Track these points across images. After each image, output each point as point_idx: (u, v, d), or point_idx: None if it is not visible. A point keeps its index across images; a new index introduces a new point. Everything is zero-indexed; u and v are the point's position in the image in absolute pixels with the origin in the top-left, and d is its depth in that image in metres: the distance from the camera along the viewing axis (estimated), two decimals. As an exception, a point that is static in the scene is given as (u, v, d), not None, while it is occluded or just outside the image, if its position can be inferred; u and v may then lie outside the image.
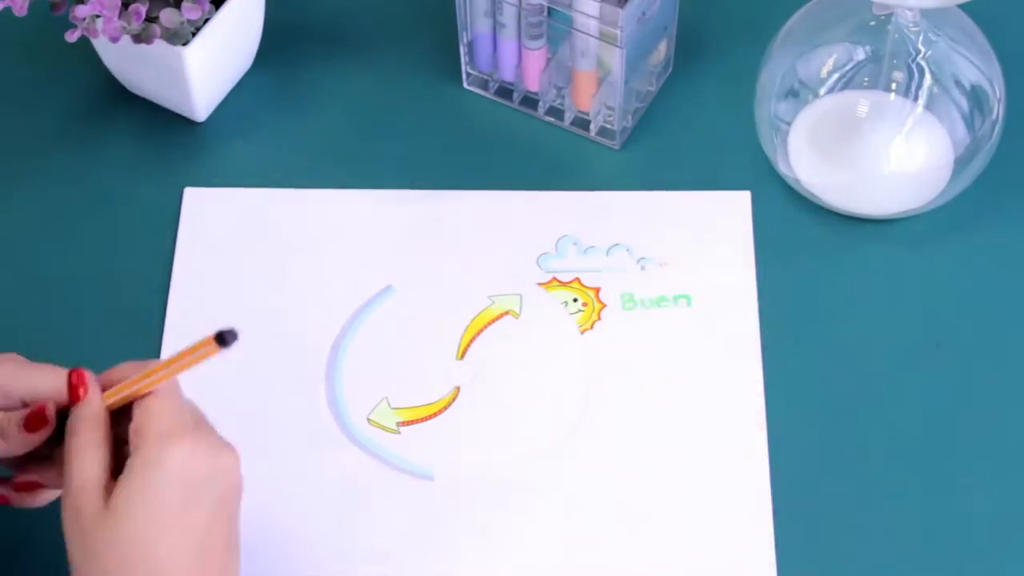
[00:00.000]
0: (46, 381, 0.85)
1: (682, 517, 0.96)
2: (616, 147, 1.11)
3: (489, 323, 1.04)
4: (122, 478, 0.78)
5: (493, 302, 1.05)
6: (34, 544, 0.95)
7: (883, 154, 1.08)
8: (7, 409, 0.86)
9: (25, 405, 0.85)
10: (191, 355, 0.79)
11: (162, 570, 0.77)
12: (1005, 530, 0.95)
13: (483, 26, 1.10)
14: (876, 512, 0.96)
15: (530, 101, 1.13)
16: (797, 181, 1.08)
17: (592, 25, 1.05)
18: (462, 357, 1.02)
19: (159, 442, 0.79)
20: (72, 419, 0.82)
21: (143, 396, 0.81)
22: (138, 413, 0.80)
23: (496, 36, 1.11)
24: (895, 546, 0.95)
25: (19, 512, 0.90)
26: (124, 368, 0.84)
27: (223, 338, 0.77)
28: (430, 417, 1.00)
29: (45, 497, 0.89)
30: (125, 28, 1.03)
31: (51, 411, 0.84)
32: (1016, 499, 0.97)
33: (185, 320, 1.03)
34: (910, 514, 0.96)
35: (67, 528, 0.79)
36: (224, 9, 1.08)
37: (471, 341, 1.03)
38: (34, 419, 0.84)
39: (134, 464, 0.78)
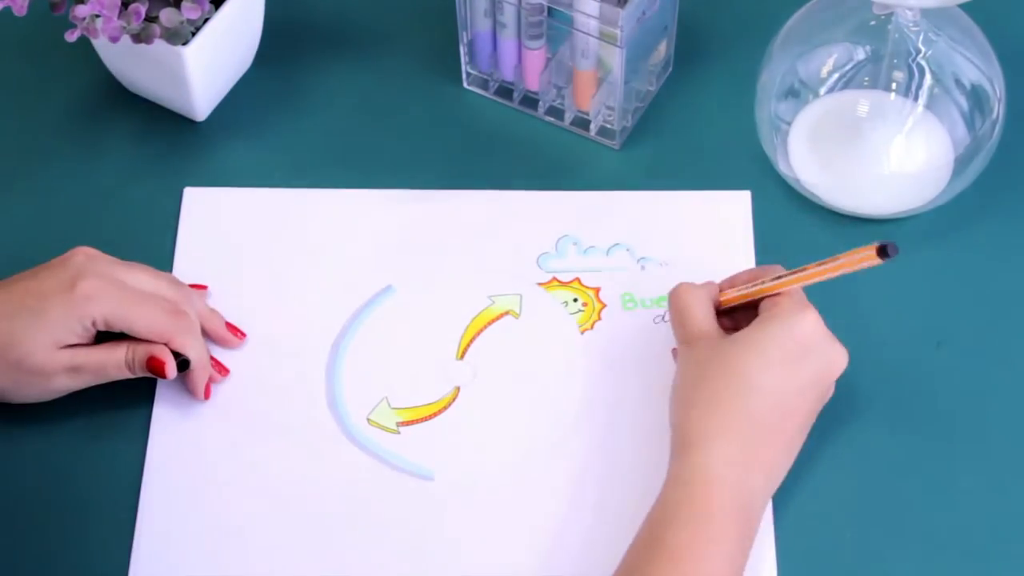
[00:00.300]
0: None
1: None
2: (616, 147, 1.11)
3: (489, 323, 1.04)
4: (751, 324, 0.94)
5: (493, 302, 1.05)
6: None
7: (883, 154, 1.08)
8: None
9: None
10: (848, 260, 0.91)
11: (752, 386, 0.91)
12: (1006, 530, 0.95)
13: (483, 26, 1.10)
14: (876, 511, 0.96)
15: (530, 101, 1.13)
16: (797, 181, 1.08)
17: (592, 25, 1.05)
18: (462, 357, 1.02)
19: (795, 306, 0.93)
20: (685, 286, 0.97)
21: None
22: (784, 292, 0.95)
23: (496, 36, 1.11)
24: (895, 545, 0.95)
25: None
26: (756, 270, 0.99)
27: (885, 250, 0.88)
28: (430, 417, 1.00)
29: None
30: (125, 28, 1.03)
31: (171, 369, 0.97)
32: (1017, 498, 0.96)
33: (185, 320, 1.03)
34: (910, 513, 0.96)
35: (682, 350, 0.96)
36: (224, 9, 1.08)
37: (471, 341, 1.03)
38: (155, 366, 0.97)
39: (768, 314, 0.94)
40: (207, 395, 1.00)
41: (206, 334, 1.02)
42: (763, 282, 0.96)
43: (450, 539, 0.96)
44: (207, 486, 0.98)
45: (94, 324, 0.96)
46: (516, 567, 0.95)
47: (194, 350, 0.98)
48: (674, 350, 0.99)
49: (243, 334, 1.03)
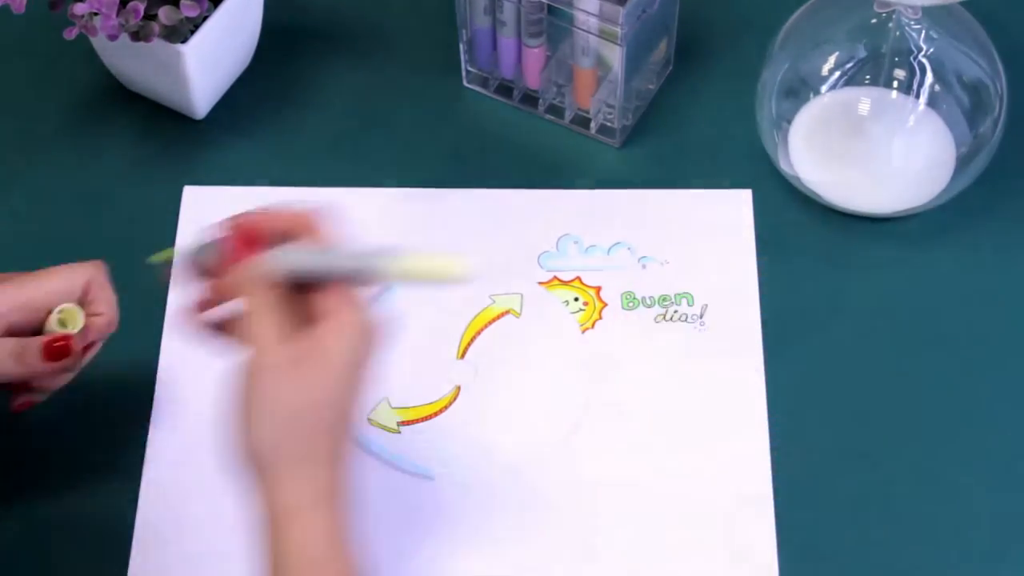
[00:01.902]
0: (60, 282, 0.91)
1: (684, 516, 0.96)
2: (616, 145, 1.11)
3: (490, 322, 1.03)
4: (311, 334, 0.80)
5: (494, 301, 1.04)
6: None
7: (884, 152, 1.08)
8: (31, 324, 0.90)
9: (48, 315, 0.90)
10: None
11: (342, 415, 0.80)
12: (1006, 529, 0.95)
13: (483, 23, 1.10)
14: (877, 509, 0.96)
15: (530, 99, 1.13)
16: (798, 179, 1.08)
17: (592, 23, 1.05)
18: (463, 356, 1.02)
19: (355, 307, 0.81)
20: (244, 278, 0.82)
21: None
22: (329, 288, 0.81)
23: (496, 34, 1.10)
24: (896, 544, 0.95)
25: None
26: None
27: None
28: (431, 417, 1.00)
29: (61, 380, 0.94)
30: (123, 26, 1.03)
31: (76, 343, 0.90)
32: (1017, 498, 0.96)
33: (184, 319, 1.03)
34: (911, 512, 0.96)
35: (246, 378, 0.80)
36: (223, 6, 1.07)
37: (472, 340, 1.03)
38: (55, 349, 0.90)
39: (335, 321, 0.80)
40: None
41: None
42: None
43: (450, 539, 0.95)
44: (204, 486, 0.97)
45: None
46: (517, 567, 0.95)
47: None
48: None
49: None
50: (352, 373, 0.81)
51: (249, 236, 0.83)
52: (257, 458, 0.80)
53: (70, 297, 0.92)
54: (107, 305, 0.94)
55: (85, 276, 0.93)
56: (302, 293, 0.81)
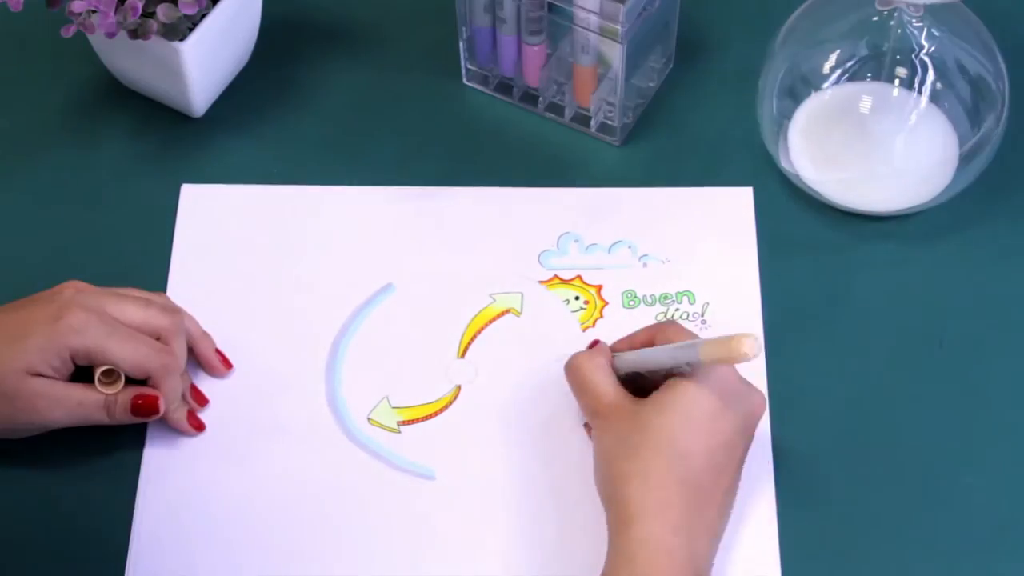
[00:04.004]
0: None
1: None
2: (617, 143, 1.11)
3: (490, 321, 1.03)
4: (664, 388, 0.92)
5: (494, 300, 1.04)
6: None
7: (886, 150, 1.07)
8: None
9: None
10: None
11: (683, 452, 0.89)
12: (1008, 528, 0.95)
13: (483, 21, 1.10)
14: (878, 508, 0.96)
15: (530, 97, 1.12)
16: (799, 177, 1.07)
17: (592, 20, 1.04)
18: (463, 356, 1.02)
19: (696, 380, 0.91)
20: (582, 358, 0.96)
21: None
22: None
23: (496, 31, 1.10)
24: (897, 543, 0.95)
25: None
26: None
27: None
28: (431, 416, 1.00)
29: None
30: (121, 23, 1.03)
31: (163, 404, 0.95)
32: (1019, 498, 0.96)
33: (183, 318, 1.03)
34: (912, 511, 0.96)
35: (595, 424, 0.94)
36: (221, 4, 1.07)
37: (472, 339, 1.02)
38: (144, 408, 0.95)
39: (678, 379, 0.91)
40: (197, 427, 0.98)
41: (194, 356, 1.00)
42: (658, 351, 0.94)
43: (451, 539, 0.95)
44: (205, 485, 0.97)
45: (73, 357, 0.94)
46: (517, 567, 0.94)
47: (172, 391, 0.96)
48: (586, 425, 0.97)
49: (230, 364, 1.01)
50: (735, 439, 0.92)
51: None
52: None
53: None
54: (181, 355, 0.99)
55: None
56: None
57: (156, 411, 0.96)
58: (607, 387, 0.94)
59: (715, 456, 0.90)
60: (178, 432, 0.98)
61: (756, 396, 0.93)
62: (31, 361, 0.93)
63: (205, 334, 1.01)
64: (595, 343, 0.99)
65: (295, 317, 1.04)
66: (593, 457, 0.94)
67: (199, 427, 0.98)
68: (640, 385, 0.95)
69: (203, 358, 1.00)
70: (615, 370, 0.95)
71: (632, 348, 0.96)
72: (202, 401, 0.99)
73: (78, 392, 0.94)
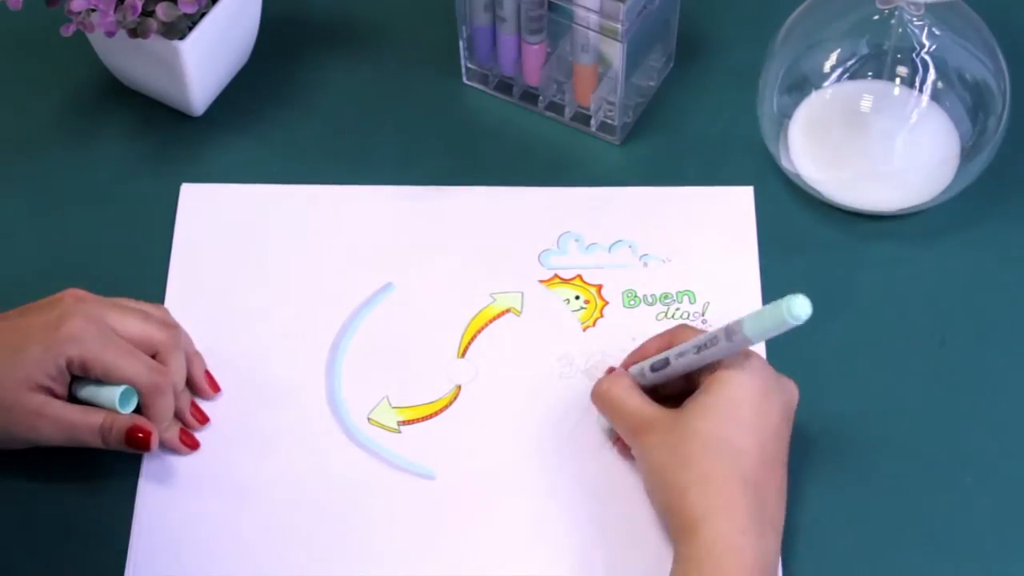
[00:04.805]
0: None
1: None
2: (617, 142, 1.11)
3: (490, 321, 1.03)
4: (702, 391, 0.91)
5: (494, 300, 1.04)
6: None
7: (887, 149, 1.07)
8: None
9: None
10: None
11: (738, 450, 0.89)
12: (1009, 528, 0.95)
13: (483, 20, 1.10)
14: (879, 507, 0.96)
15: (530, 96, 1.12)
16: (800, 176, 1.07)
17: (592, 19, 1.04)
18: (463, 355, 1.02)
19: (738, 356, 0.91)
20: (606, 384, 0.96)
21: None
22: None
23: (496, 30, 1.10)
24: (898, 543, 0.94)
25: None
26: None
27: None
28: (431, 416, 1.00)
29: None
30: (121, 22, 1.03)
31: (155, 441, 0.94)
32: (1019, 497, 0.96)
33: (182, 317, 1.02)
34: (914, 511, 0.96)
35: (638, 442, 0.93)
36: (221, 3, 1.07)
37: (472, 339, 1.02)
38: (136, 441, 0.94)
39: (716, 375, 0.91)
40: (190, 445, 0.97)
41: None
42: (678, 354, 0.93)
43: (451, 539, 0.95)
44: (205, 486, 0.97)
45: (69, 365, 0.93)
46: (518, 567, 0.94)
47: (163, 410, 0.95)
48: (618, 443, 0.97)
49: (218, 388, 1.00)
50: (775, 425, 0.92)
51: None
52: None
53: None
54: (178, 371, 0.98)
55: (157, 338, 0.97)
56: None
57: (150, 447, 0.94)
58: (640, 405, 0.94)
59: (767, 448, 0.90)
60: (172, 451, 0.97)
61: (789, 383, 0.94)
62: (29, 372, 0.92)
63: (197, 353, 1.00)
64: (611, 370, 0.99)
65: (295, 317, 1.03)
66: (643, 473, 0.93)
67: (192, 445, 0.97)
68: (662, 395, 0.95)
69: (193, 378, 0.99)
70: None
71: (646, 358, 0.96)
72: (202, 419, 0.98)
73: (75, 414, 0.94)
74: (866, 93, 1.07)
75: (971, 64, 1.05)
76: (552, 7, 1.06)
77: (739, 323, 0.89)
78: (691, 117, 1.12)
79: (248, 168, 1.10)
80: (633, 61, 1.07)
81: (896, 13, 1.03)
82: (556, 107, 1.12)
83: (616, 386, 0.95)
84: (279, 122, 1.12)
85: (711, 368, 0.92)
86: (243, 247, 1.06)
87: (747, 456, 0.89)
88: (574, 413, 0.99)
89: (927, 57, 1.04)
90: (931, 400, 1.00)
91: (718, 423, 0.90)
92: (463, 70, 1.13)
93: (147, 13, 1.04)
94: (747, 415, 0.90)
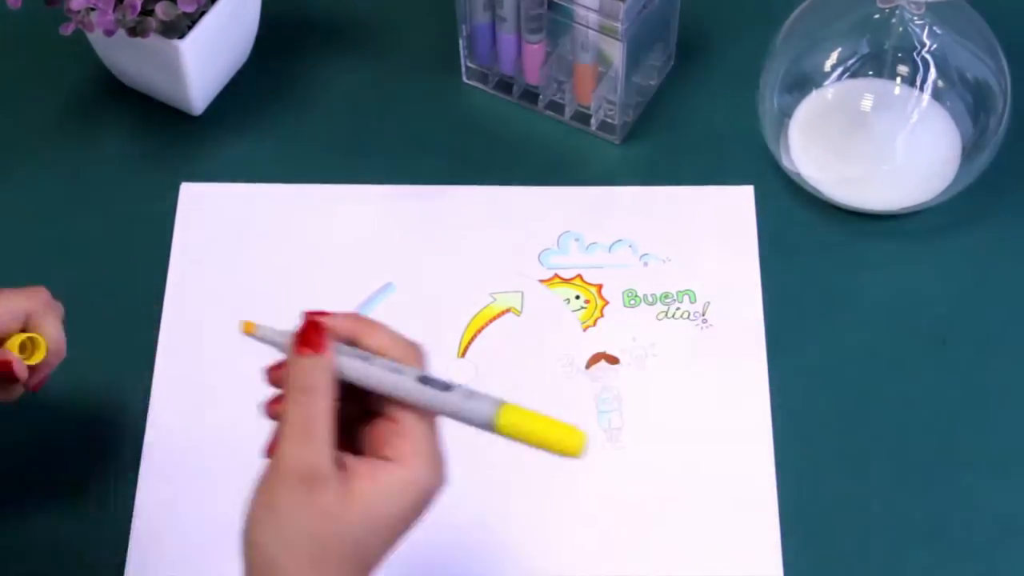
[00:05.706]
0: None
1: (687, 515, 0.95)
2: (617, 142, 1.10)
3: (490, 321, 1.03)
4: (378, 470, 0.74)
5: (494, 299, 1.04)
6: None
7: (888, 148, 1.07)
8: None
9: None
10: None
11: (363, 559, 0.74)
12: (1010, 527, 0.95)
13: (483, 19, 1.09)
14: (880, 507, 0.96)
15: (530, 95, 1.12)
16: (800, 175, 1.07)
17: (592, 18, 1.04)
18: (463, 355, 1.02)
19: (430, 466, 0.76)
20: (305, 372, 0.77)
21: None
22: (408, 422, 0.77)
23: (496, 29, 1.10)
24: (898, 542, 0.94)
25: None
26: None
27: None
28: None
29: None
30: (120, 21, 1.03)
31: (21, 368, 0.86)
32: (1020, 497, 0.96)
33: (181, 316, 1.03)
34: (914, 510, 0.96)
35: (284, 482, 0.75)
36: (220, 2, 1.07)
37: (472, 339, 1.02)
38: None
39: (396, 471, 0.75)
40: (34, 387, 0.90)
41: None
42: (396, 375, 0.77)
43: (451, 539, 0.95)
44: (203, 487, 0.97)
45: None
46: (518, 567, 0.94)
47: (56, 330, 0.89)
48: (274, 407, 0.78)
49: (36, 390, 0.90)
50: (393, 530, 0.75)
51: (319, 330, 0.77)
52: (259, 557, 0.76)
53: (10, 328, 0.88)
54: (51, 337, 0.89)
55: (23, 307, 0.89)
56: (365, 408, 0.76)
57: (12, 371, 0.86)
58: (325, 443, 0.74)
59: (389, 546, 0.76)
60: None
61: (443, 473, 0.78)
62: None
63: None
64: (314, 327, 0.78)
65: (294, 317, 1.03)
66: (259, 516, 0.77)
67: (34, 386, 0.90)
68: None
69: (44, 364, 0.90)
70: (334, 375, 0.76)
71: (345, 333, 0.79)
72: (34, 388, 0.90)
73: None
74: (867, 92, 1.07)
75: (972, 63, 1.05)
76: (552, 6, 1.06)
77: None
78: (691, 116, 1.12)
79: (248, 167, 1.10)
80: (633, 60, 1.07)
81: (897, 12, 1.03)
82: (556, 106, 1.12)
83: (320, 394, 0.76)
84: (279, 121, 1.12)
85: (400, 430, 0.76)
86: (243, 246, 1.06)
87: (369, 560, 0.75)
88: (574, 412, 0.99)
89: (928, 56, 1.04)
90: (932, 399, 0.99)
91: (363, 529, 0.74)
92: (463, 69, 1.13)
93: (146, 12, 1.04)
94: (396, 521, 0.75)
